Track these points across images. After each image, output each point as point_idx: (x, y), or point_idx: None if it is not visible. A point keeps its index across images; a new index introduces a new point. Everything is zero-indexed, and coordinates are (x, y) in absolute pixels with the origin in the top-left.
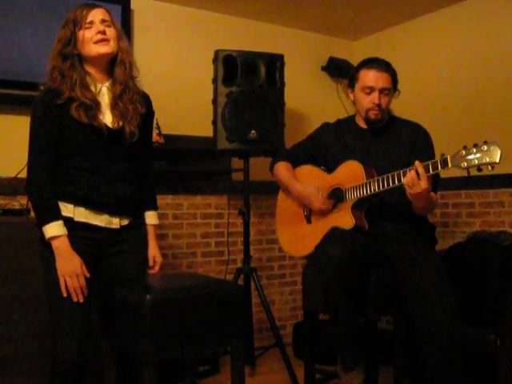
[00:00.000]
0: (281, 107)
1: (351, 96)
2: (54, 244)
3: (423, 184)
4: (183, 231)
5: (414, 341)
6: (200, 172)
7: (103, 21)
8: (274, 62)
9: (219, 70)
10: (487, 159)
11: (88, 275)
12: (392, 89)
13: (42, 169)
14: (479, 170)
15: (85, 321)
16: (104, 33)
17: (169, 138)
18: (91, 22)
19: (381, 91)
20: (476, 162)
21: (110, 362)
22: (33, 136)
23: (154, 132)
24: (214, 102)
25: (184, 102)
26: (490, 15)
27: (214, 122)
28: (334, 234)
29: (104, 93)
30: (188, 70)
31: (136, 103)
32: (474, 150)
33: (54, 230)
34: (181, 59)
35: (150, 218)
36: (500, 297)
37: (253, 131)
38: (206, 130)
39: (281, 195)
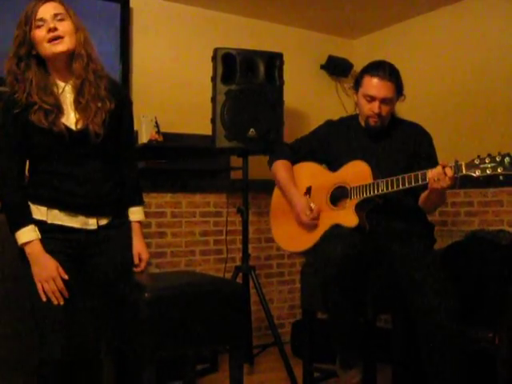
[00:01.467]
0: (280, 106)
1: (355, 98)
2: (27, 250)
3: (448, 179)
4: (182, 229)
5: (413, 339)
6: (199, 170)
7: (55, 15)
8: (273, 61)
9: (218, 69)
10: (501, 170)
11: (66, 277)
12: (394, 98)
13: (10, 175)
14: (490, 178)
15: (68, 322)
16: (55, 29)
17: (167, 136)
18: (42, 20)
19: (382, 101)
20: (489, 171)
21: (109, 360)
22: None
23: (153, 130)
24: (213, 100)
25: (183, 100)
26: (490, 14)
27: (213, 121)
28: (334, 232)
29: (68, 92)
30: (187, 68)
31: (103, 99)
32: (488, 160)
33: (25, 235)
34: (180, 57)
35: (134, 214)
36: (498, 295)
37: (252, 129)
38: (205, 129)
39: (277, 190)
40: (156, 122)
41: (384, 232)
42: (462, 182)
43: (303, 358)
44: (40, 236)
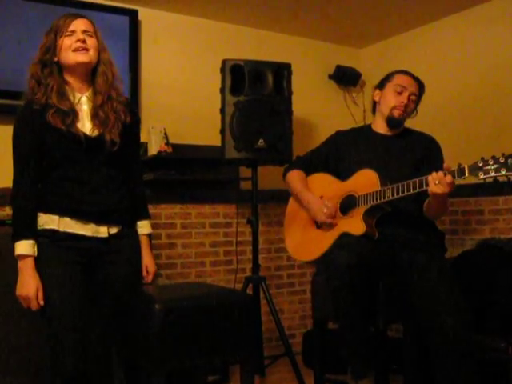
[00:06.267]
0: (288, 116)
1: (377, 97)
2: (19, 263)
3: (447, 184)
4: (192, 240)
5: (424, 349)
6: (208, 181)
7: (85, 31)
8: (282, 71)
9: (227, 80)
10: (505, 171)
11: (42, 303)
12: (417, 100)
13: (24, 183)
14: (495, 181)
15: (79, 335)
16: (84, 41)
17: (177, 147)
18: (73, 31)
19: (411, 94)
20: (493, 173)
21: (120, 373)
22: (15, 150)
23: (162, 142)
24: (222, 111)
25: (192, 112)
26: (496, 22)
27: (222, 131)
28: (344, 241)
29: (83, 102)
30: (196, 79)
31: (119, 112)
32: (492, 162)
33: (23, 248)
34: (188, 69)
35: (142, 227)
36: (510, 304)
37: (261, 140)
38: (214, 139)
39: (292, 199)
40: (165, 134)
41: (394, 240)
42: (473, 190)
43: (314, 369)
44: (36, 254)
